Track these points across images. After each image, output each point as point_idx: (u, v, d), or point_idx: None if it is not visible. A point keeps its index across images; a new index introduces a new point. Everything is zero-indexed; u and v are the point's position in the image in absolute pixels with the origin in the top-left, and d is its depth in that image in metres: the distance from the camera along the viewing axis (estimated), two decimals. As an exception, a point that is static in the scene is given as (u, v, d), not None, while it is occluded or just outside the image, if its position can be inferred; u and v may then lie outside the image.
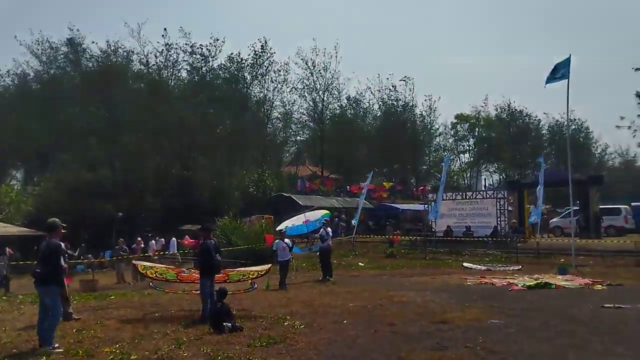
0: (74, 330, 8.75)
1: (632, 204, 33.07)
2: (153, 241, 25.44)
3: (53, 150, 43.19)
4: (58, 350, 7.31)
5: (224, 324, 8.39)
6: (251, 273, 12.24)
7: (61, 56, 49.46)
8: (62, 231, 9.78)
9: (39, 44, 48.23)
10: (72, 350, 7.28)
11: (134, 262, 13.61)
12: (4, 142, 44.28)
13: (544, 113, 71.13)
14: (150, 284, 12.04)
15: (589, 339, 7.41)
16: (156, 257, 22.36)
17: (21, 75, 50.57)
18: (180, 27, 51.95)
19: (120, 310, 11.08)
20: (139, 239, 24.27)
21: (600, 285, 13.08)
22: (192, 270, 12.82)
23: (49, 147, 43.33)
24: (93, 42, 56.74)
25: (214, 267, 9.70)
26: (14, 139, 43.33)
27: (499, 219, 27.17)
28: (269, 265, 12.48)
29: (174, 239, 25.62)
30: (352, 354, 6.94)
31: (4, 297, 15.07)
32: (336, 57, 51.21)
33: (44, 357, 7.00)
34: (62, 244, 9.48)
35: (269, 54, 46.73)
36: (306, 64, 50.58)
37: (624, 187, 56.58)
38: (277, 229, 18.99)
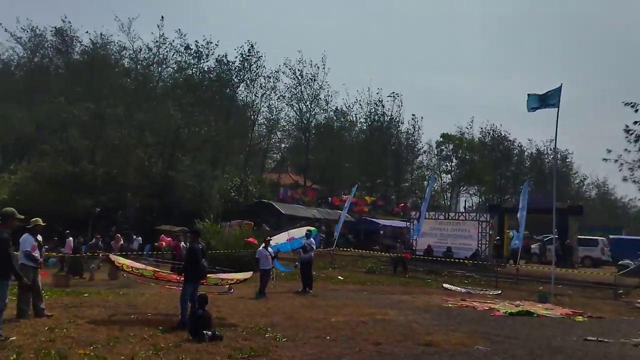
0: (46, 328, 8.40)
1: (611, 236, 33.54)
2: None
3: (33, 139, 42.21)
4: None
5: (204, 332, 8.10)
6: (230, 280, 12.04)
7: (47, 44, 48.57)
8: (42, 224, 9.55)
9: (23, 31, 47.39)
10: (44, 350, 6.94)
11: (110, 255, 13.20)
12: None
13: (528, 139, 71.92)
14: (125, 275, 11.75)
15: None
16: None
17: (5, 60, 49.69)
18: (178, 29, 51.76)
19: (95, 310, 10.69)
20: (118, 235, 23.66)
21: (581, 317, 13.04)
22: (171, 273, 12.53)
23: (30, 135, 42.33)
24: (87, 32, 56.09)
25: (200, 273, 9.42)
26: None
27: (480, 242, 27.19)
28: (250, 273, 12.24)
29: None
30: (337, 373, 6.73)
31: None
32: (324, 69, 51.19)
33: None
34: (33, 236, 9.28)
35: (256, 58, 46.44)
36: (294, 73, 50.52)
37: (599, 218, 57.65)
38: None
